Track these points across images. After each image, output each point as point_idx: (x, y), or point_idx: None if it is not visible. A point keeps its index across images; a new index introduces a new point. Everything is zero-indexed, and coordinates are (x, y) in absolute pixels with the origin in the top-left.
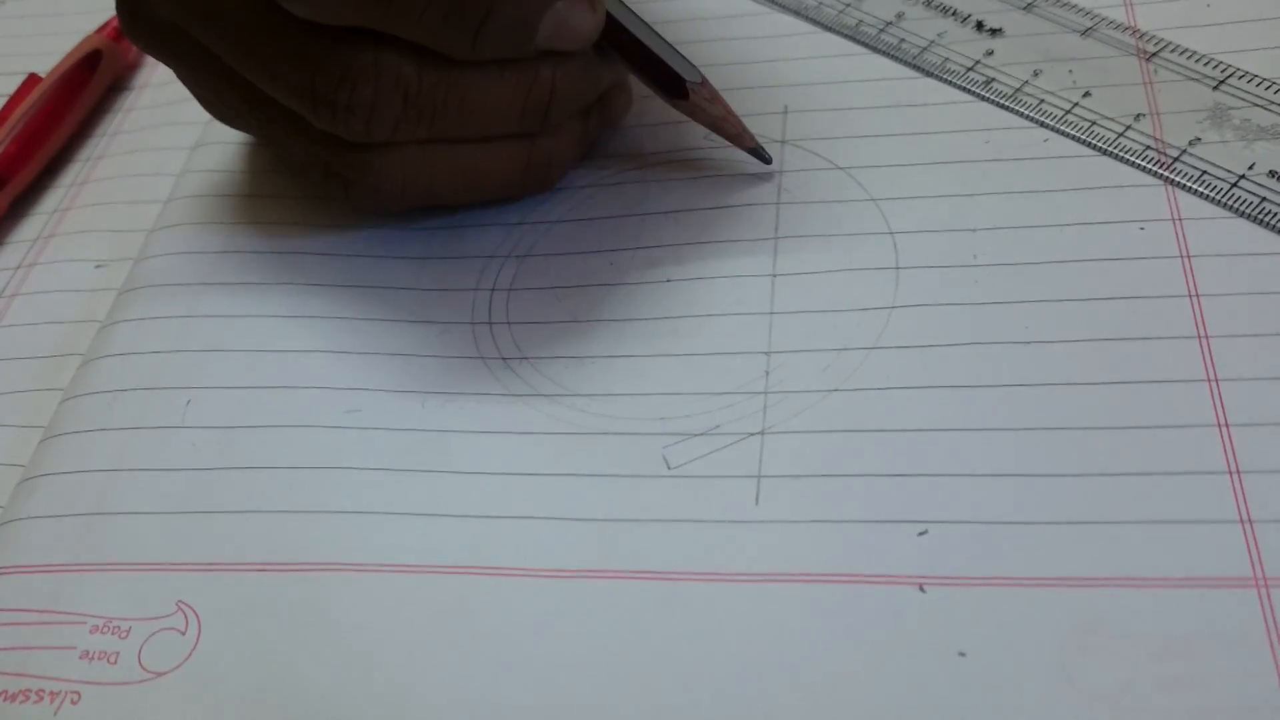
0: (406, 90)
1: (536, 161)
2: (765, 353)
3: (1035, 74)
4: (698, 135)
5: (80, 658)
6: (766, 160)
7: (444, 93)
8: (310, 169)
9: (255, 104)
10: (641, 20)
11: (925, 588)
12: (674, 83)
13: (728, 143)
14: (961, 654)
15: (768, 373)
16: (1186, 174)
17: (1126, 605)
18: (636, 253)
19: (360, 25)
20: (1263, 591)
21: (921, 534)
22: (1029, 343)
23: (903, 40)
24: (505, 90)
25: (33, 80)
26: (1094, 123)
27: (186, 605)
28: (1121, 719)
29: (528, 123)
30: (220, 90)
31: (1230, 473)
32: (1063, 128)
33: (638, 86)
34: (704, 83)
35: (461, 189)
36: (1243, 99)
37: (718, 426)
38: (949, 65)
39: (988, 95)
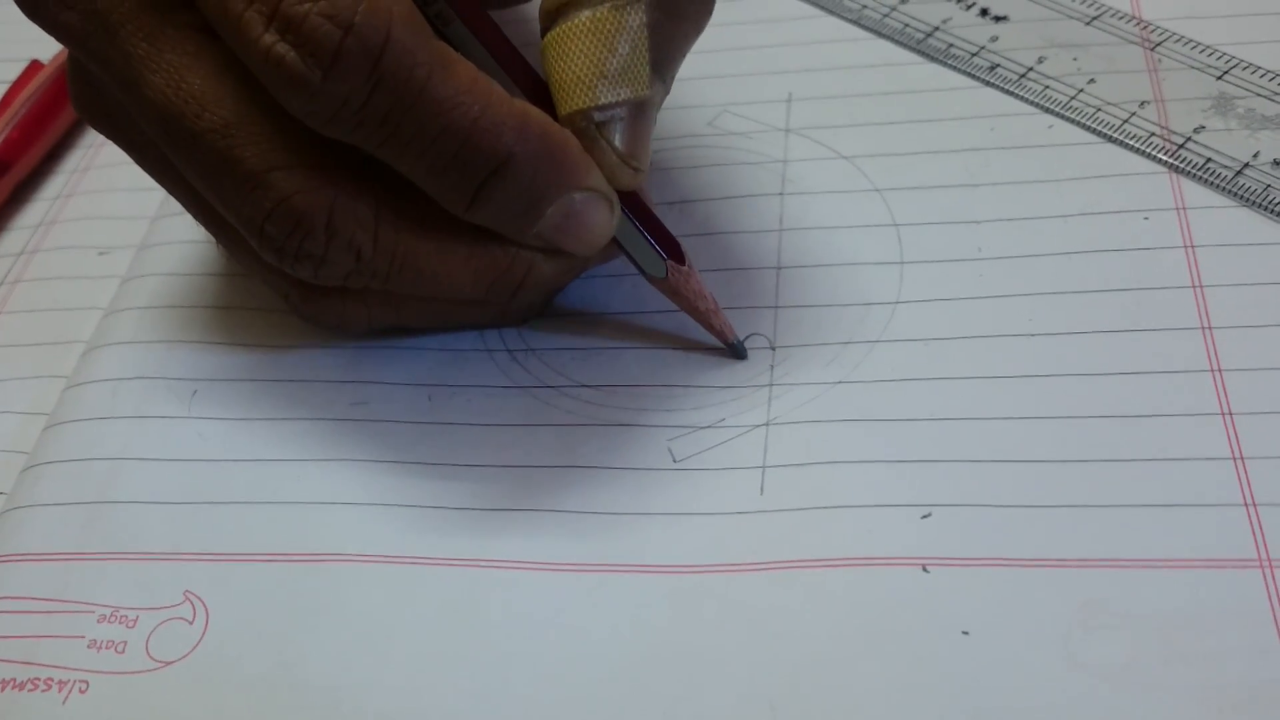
0: (359, 252)
1: (514, 313)
2: (770, 347)
3: (1040, 60)
4: (700, 123)
5: (88, 647)
6: (740, 356)
7: (400, 260)
8: (269, 287)
9: (213, 218)
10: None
11: (929, 568)
12: (651, 262)
13: (729, 132)
14: (965, 632)
15: (773, 366)
16: (1191, 161)
17: (1131, 585)
18: None
19: (355, 144)
20: (1267, 572)
21: (925, 517)
22: (1034, 335)
23: (907, 25)
24: (468, 269)
25: (35, 67)
26: (1099, 109)
27: (194, 595)
28: (1124, 695)
29: (493, 297)
30: (179, 195)
31: (1234, 459)
32: (1067, 113)
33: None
34: (679, 269)
35: (435, 327)
36: (1247, 89)
37: (723, 420)
38: (953, 50)
39: (992, 81)
